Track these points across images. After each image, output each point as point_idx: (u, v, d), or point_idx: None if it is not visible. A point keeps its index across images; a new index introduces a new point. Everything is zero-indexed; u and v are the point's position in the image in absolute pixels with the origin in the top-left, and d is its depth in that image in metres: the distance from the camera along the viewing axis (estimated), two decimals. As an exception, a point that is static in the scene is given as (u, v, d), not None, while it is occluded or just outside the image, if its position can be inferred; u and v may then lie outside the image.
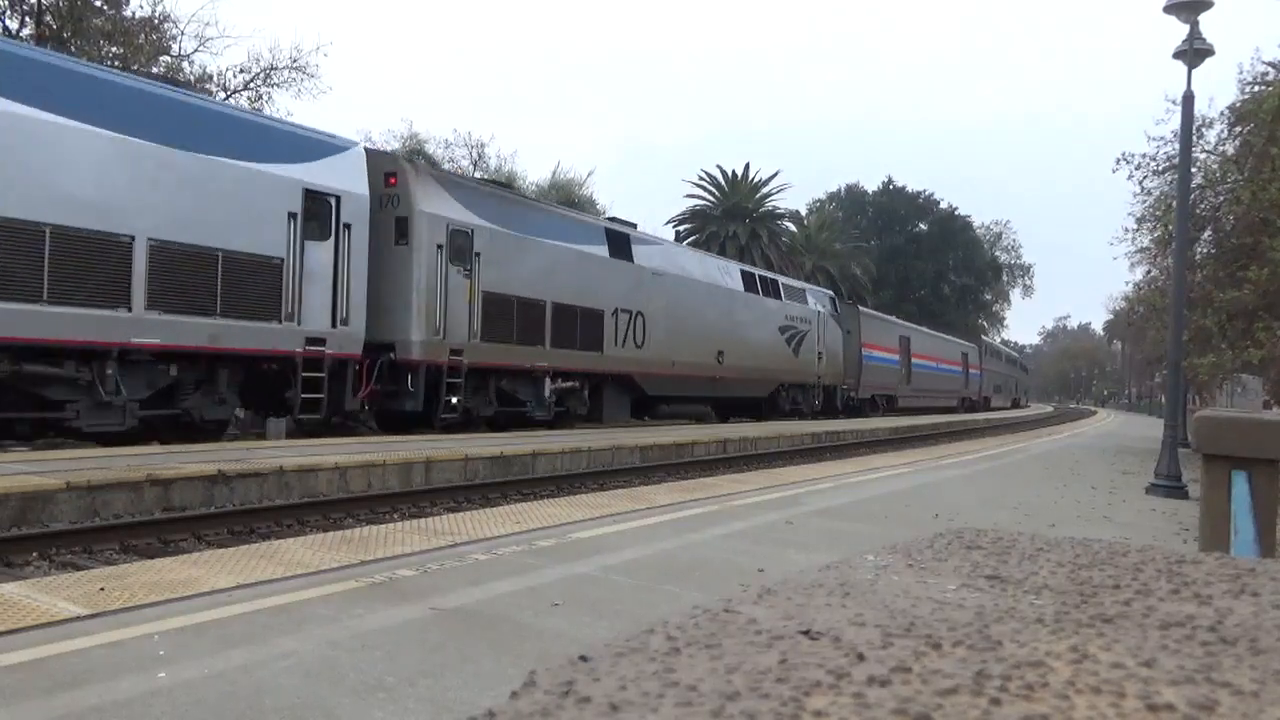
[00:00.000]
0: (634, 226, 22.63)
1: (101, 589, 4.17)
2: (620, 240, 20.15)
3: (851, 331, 32.70)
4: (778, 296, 27.34)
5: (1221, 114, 19.04)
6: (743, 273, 26.18)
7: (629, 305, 19.78)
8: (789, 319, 27.42)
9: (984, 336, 61.46)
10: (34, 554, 6.61)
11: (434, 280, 14.81)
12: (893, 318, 43.83)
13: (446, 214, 15.15)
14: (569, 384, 18.22)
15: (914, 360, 40.50)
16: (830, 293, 33.62)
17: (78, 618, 3.72)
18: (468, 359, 15.39)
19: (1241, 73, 18.83)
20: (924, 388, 42.38)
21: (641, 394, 20.65)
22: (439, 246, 14.92)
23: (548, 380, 17.46)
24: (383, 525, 6.63)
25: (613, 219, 23.50)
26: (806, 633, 0.59)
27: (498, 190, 18.23)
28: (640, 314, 20.13)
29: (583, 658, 0.53)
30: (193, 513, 8.14)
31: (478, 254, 15.65)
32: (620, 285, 19.55)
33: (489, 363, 16.00)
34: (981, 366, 55.67)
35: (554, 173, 42.69)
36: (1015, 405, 73.79)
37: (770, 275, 29.04)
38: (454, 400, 15.12)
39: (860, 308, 36.38)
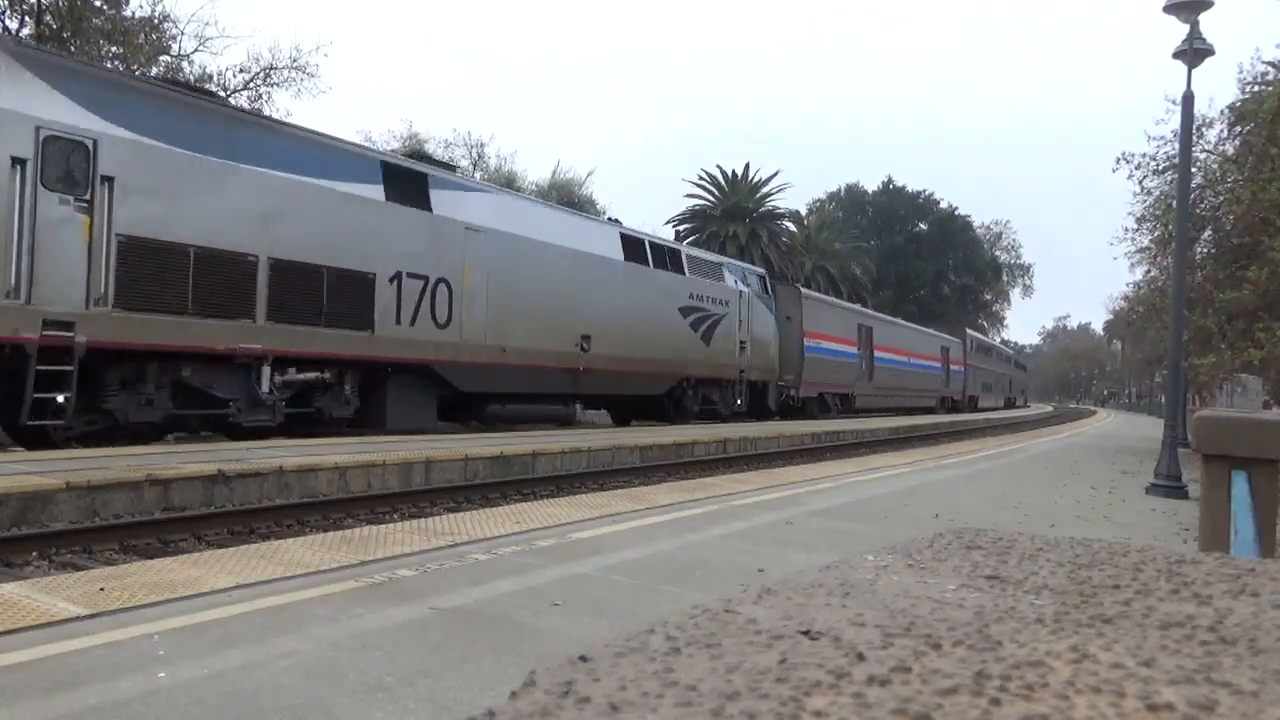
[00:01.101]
0: (453, 169, 18.56)
1: (101, 589, 4.16)
2: (407, 181, 14.96)
3: (792, 318, 27.67)
4: (679, 270, 22.11)
5: (1221, 114, 19.06)
6: (625, 237, 20.58)
7: (422, 269, 14.73)
8: (696, 299, 22.36)
9: (970, 330, 55.25)
10: (34, 554, 6.61)
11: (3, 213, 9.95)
12: (850, 304, 39.00)
13: (36, 111, 10.28)
14: (309, 375, 13.33)
15: (877, 354, 35.33)
16: (761, 271, 28.21)
17: (77, 618, 3.72)
18: (87, 335, 10.48)
19: (1241, 73, 18.84)
20: (890, 385, 37.00)
21: (454, 390, 15.68)
22: (16, 161, 10.00)
23: (266, 369, 12.67)
24: (383, 525, 6.63)
25: (418, 155, 18.56)
26: (806, 633, 0.59)
27: (169, 90, 12.68)
28: (444, 282, 15.17)
29: (583, 658, 0.53)
30: (192, 513, 8.14)
31: (108, 178, 10.80)
32: (406, 241, 14.49)
33: (142, 343, 11.13)
34: (966, 362, 50.59)
35: (554, 172, 42.70)
36: (1010, 406, 68.58)
37: (670, 244, 23.61)
38: (60, 399, 10.28)
39: (803, 289, 30.86)
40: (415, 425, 15.00)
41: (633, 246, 20.68)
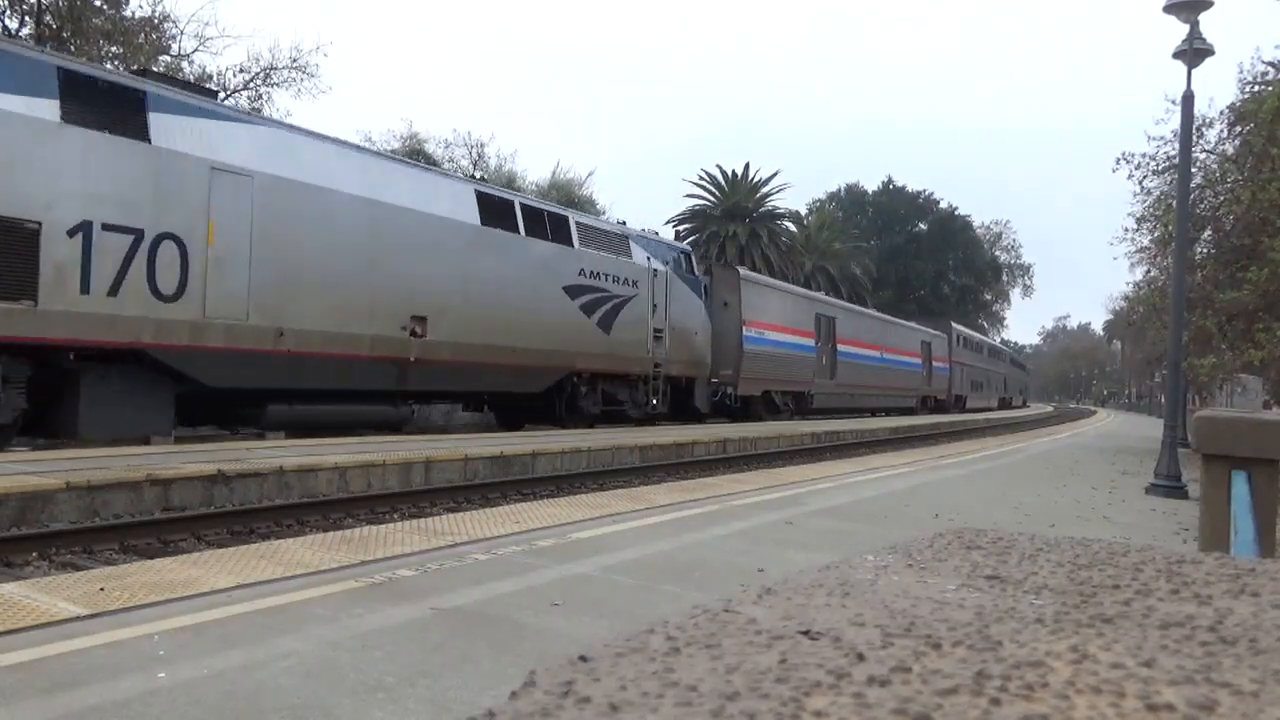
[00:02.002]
0: (211, 94, 14.51)
1: (101, 589, 4.16)
2: (107, 97, 11.02)
3: (730, 305, 23.83)
4: (565, 241, 17.96)
5: (1221, 114, 19.06)
6: (484, 197, 16.40)
7: (132, 219, 10.96)
8: (591, 277, 18.48)
9: (956, 324, 50.36)
10: (34, 554, 6.61)
11: None
12: (806, 290, 34.52)
13: None
14: None
15: (841, 348, 31.32)
16: (684, 247, 24.18)
17: (77, 618, 3.72)
18: None
19: (1241, 73, 18.85)
20: (858, 383, 32.86)
21: (201, 386, 11.76)
22: None
23: None
24: (382, 525, 6.63)
25: (142, 72, 14.09)
26: (806, 633, 0.59)
27: None
28: (173, 239, 11.36)
29: (583, 658, 0.53)
30: (192, 513, 8.14)
31: None
32: (102, 179, 10.73)
33: None
34: (951, 359, 46.22)
35: (554, 172, 42.66)
36: (1006, 406, 63.99)
37: (556, 209, 19.24)
38: None
39: (743, 271, 26.42)
40: (133, 431, 11.33)
41: (495, 209, 16.43)
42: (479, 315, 15.84)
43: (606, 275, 19.09)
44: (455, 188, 16.34)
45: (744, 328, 24.18)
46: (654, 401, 20.79)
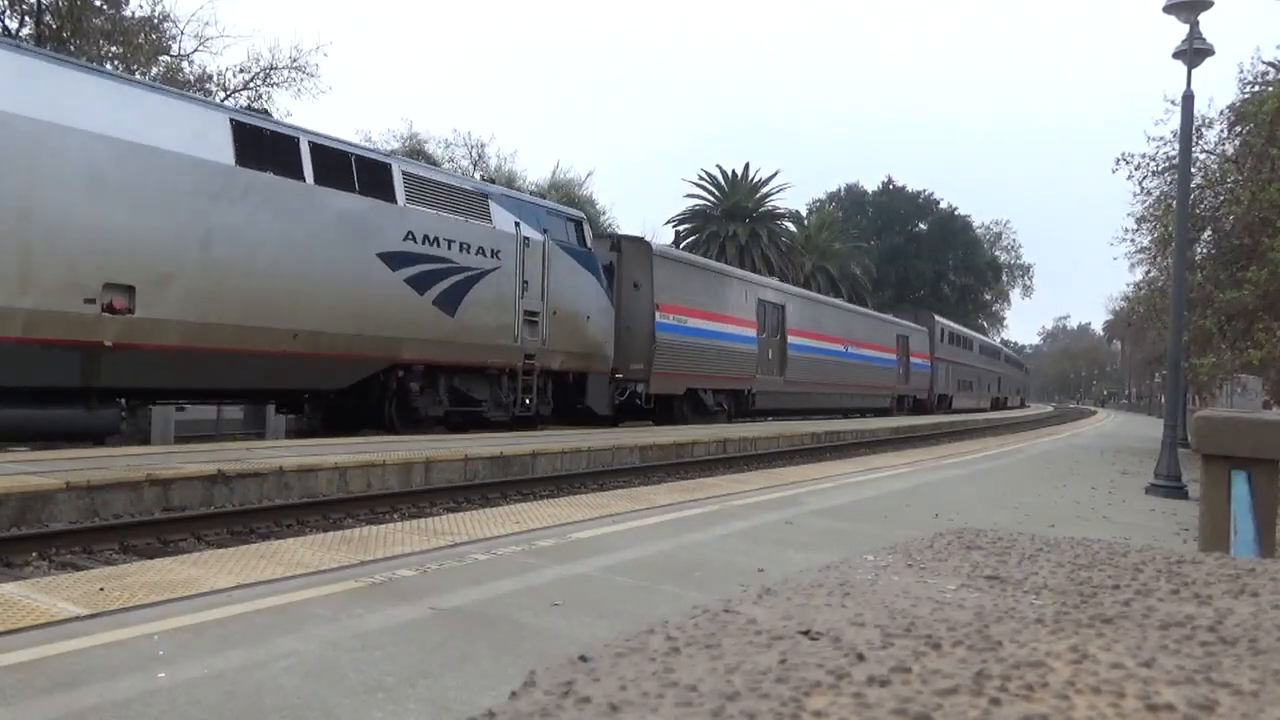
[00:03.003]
0: None
1: (101, 589, 4.16)
2: None
3: (641, 286, 20.08)
4: (383, 195, 13.89)
5: (1221, 114, 19.08)
6: (244, 128, 12.30)
7: None
8: (424, 242, 14.49)
9: (940, 317, 46.37)
10: (34, 554, 6.61)
11: None
12: (745, 271, 30.43)
13: None
14: None
15: (792, 340, 27.16)
16: (574, 213, 19.52)
17: (77, 618, 3.72)
18: None
19: (1241, 73, 18.87)
20: (813, 380, 28.69)
21: None
22: None
23: None
24: (382, 525, 6.63)
25: None
26: (806, 633, 0.59)
27: None
28: None
29: (583, 658, 0.53)
30: (192, 513, 8.14)
31: None
32: None
33: None
34: (933, 355, 42.02)
35: (554, 173, 42.67)
36: (1000, 407, 59.52)
37: (367, 151, 14.96)
38: None
39: (655, 245, 22.16)
40: None
41: (264, 146, 12.52)
42: (232, 287, 11.83)
43: (451, 242, 14.94)
44: (195, 114, 11.92)
45: (657, 313, 20.16)
46: (527, 401, 16.68)
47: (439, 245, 14.89)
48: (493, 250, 15.98)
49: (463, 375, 15.91)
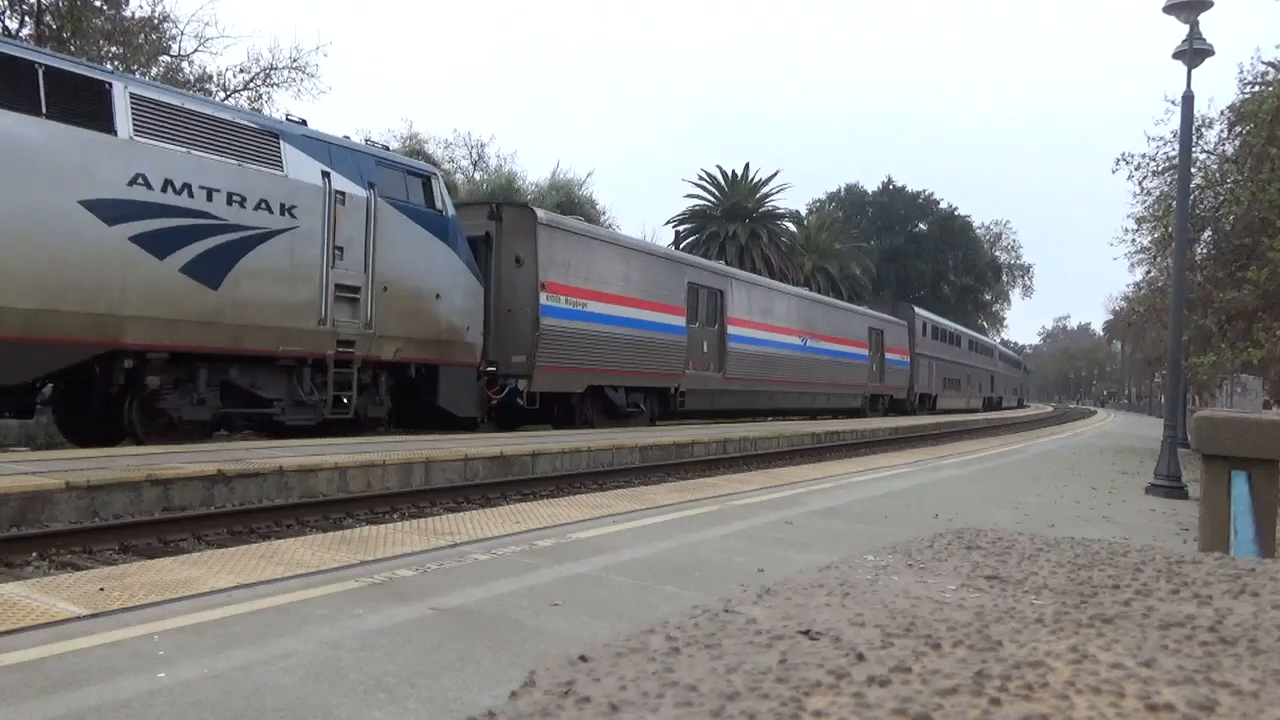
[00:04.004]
0: None
1: (101, 589, 4.16)
2: None
3: (524, 261, 16.73)
4: (95, 123, 10.55)
5: (1221, 114, 19.09)
6: None
7: None
8: (167, 190, 11.20)
9: (922, 310, 42.71)
10: (34, 554, 6.61)
11: None
12: (667, 248, 26.82)
13: None
14: None
15: (734, 330, 23.58)
16: (422, 167, 16.09)
17: (77, 618, 3.72)
18: None
19: (1241, 73, 18.87)
20: (761, 377, 25.09)
21: None
22: None
23: None
24: (383, 525, 6.63)
25: None
26: (806, 633, 0.59)
27: None
28: None
29: (583, 658, 0.53)
30: (192, 513, 8.14)
31: None
32: None
33: None
34: (913, 350, 38.50)
35: (554, 173, 42.64)
36: (993, 407, 56.07)
37: (66, 62, 11.12)
38: None
39: (541, 212, 17.98)
40: None
41: None
42: None
43: (214, 192, 11.56)
44: None
45: (542, 294, 16.71)
46: (345, 400, 13.41)
47: (192, 195, 11.31)
48: (285, 206, 12.47)
49: (242, 367, 12.34)
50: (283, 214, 12.49)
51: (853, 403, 32.82)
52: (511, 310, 16.73)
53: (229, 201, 11.82)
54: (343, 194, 13.30)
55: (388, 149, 15.97)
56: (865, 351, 33.33)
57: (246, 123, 12.69)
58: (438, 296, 14.81)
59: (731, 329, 23.62)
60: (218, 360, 12.06)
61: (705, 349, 22.63)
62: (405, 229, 14.37)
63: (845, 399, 32.07)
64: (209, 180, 11.58)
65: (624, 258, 19.85)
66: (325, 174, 13.09)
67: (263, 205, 12.24)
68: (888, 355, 35.53)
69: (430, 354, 14.82)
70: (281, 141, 12.75)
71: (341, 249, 13.22)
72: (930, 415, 38.32)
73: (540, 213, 17.90)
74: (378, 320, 13.74)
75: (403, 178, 14.72)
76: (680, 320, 21.41)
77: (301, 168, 12.86)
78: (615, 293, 19.06)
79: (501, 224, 17.17)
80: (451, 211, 15.49)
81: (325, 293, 13.00)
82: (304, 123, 13.91)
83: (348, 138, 14.61)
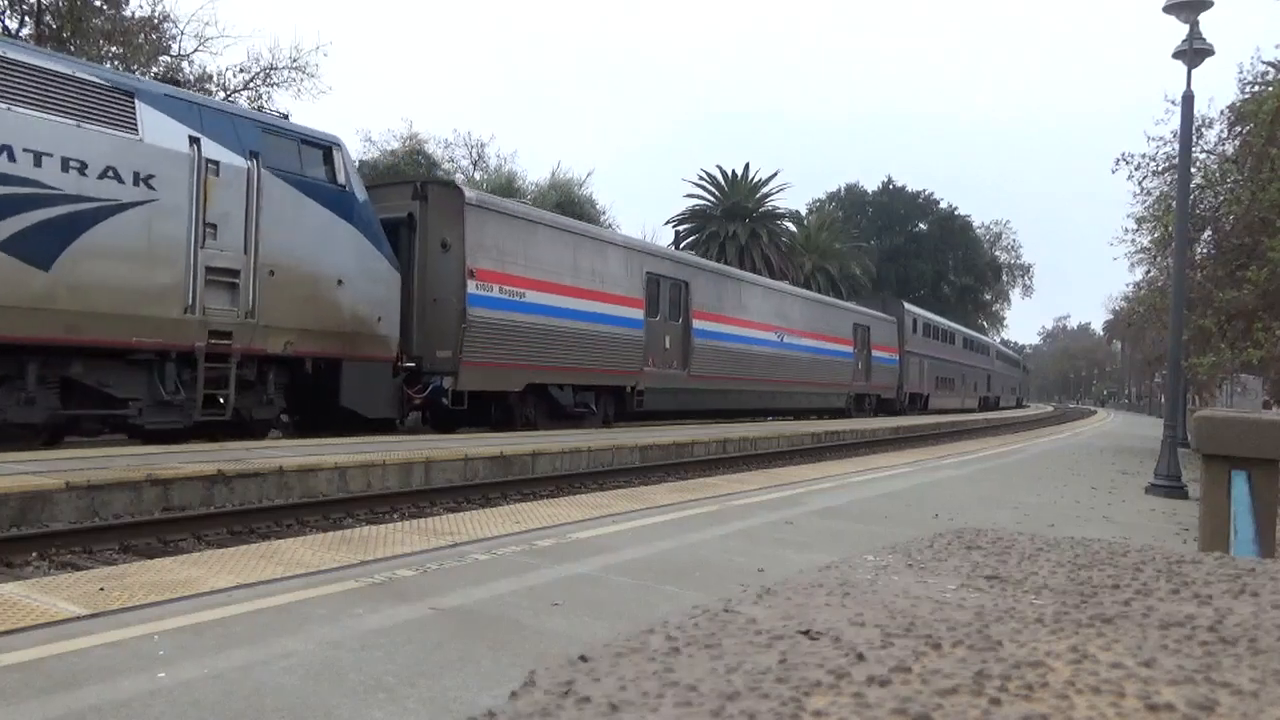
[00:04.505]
0: None
1: (101, 589, 4.16)
2: None
3: (451, 245, 15.14)
4: None
5: (1221, 114, 19.10)
6: None
7: None
8: None
9: (911, 305, 41.05)
10: (34, 554, 6.61)
11: None
12: (621, 234, 24.40)
13: None
14: None
15: (699, 325, 22.05)
16: (321, 136, 13.67)
17: (77, 618, 3.72)
18: None
19: (1241, 73, 18.88)
20: (727, 375, 23.34)
21: None
22: None
23: None
24: (382, 525, 6.63)
25: None
26: (806, 633, 0.59)
27: None
28: None
29: (583, 658, 0.53)
30: (192, 513, 8.14)
31: None
32: None
33: None
34: (902, 348, 36.77)
35: (553, 173, 42.65)
36: (990, 407, 54.29)
37: None
38: None
39: (469, 191, 16.37)
40: None
41: None
42: None
43: (42, 156, 10.01)
44: None
45: (470, 282, 15.08)
46: (220, 399, 11.80)
47: (13, 159, 9.80)
48: (139, 175, 10.84)
49: (87, 362, 10.75)
50: (137, 184, 10.82)
51: (835, 403, 31.22)
52: (437, 300, 15.13)
53: (64, 168, 10.17)
54: (216, 163, 11.59)
55: (287, 117, 14.88)
56: (849, 349, 31.84)
57: (90, 77, 10.86)
58: (340, 282, 13.22)
59: (697, 323, 22.13)
60: (53, 353, 10.38)
61: (667, 345, 21.08)
62: (299, 205, 12.71)
63: (827, 399, 30.43)
64: (36, 142, 9.95)
65: (571, 244, 18.19)
66: (194, 140, 11.42)
67: (110, 173, 10.57)
68: (874, 353, 33.97)
69: (331, 347, 13.18)
70: (137, 101, 11.05)
71: (215, 226, 11.55)
72: (922, 415, 36.71)
73: (469, 191, 16.30)
74: (262, 308, 12.08)
75: (296, 148, 12.98)
76: (638, 313, 19.85)
77: (162, 131, 11.18)
78: (561, 282, 17.45)
79: (427, 204, 15.49)
80: (359, 187, 13.90)
81: (193, 276, 11.35)
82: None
83: (232, 101, 12.62)
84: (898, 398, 36.49)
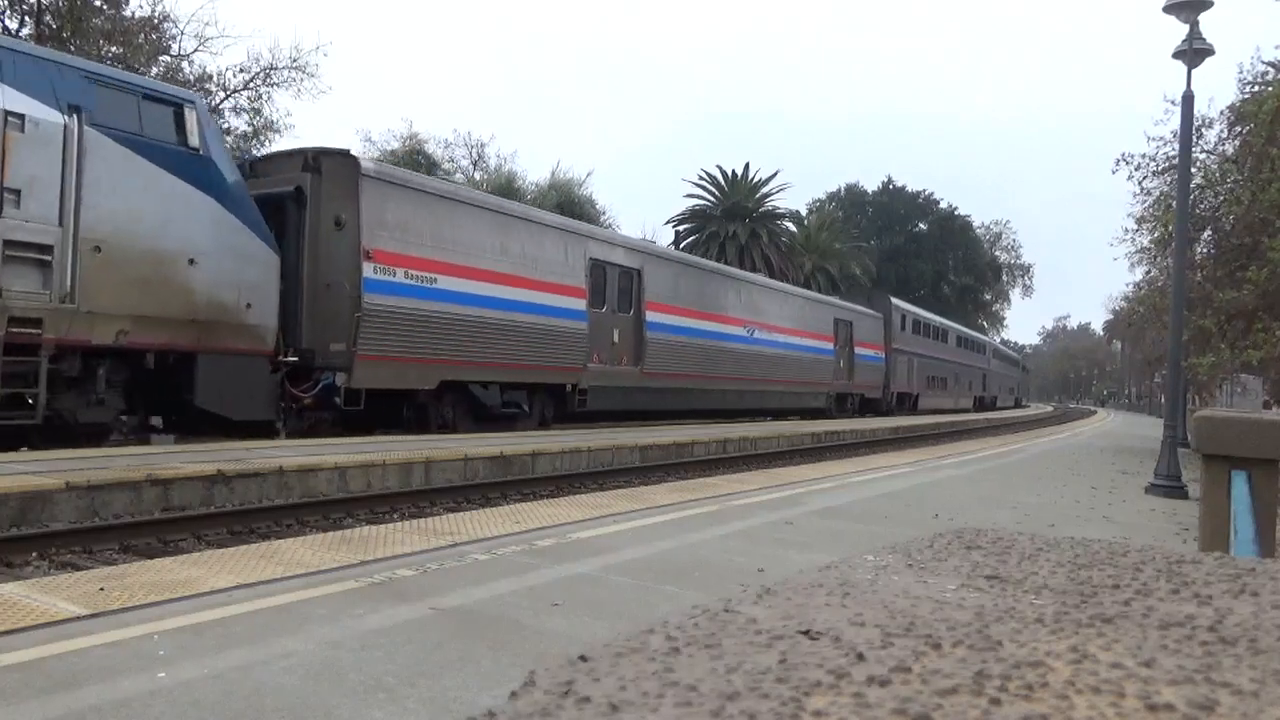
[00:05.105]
0: None
1: (101, 589, 4.16)
2: None
3: (345, 223, 13.41)
4: None
5: (1221, 114, 19.11)
6: None
7: None
8: None
9: (899, 300, 39.15)
10: (34, 554, 6.61)
11: None
12: (558, 216, 21.24)
13: None
14: None
15: (653, 317, 20.18)
16: (175, 94, 12.09)
17: (77, 618, 3.72)
18: None
19: (1241, 73, 18.89)
20: (687, 373, 21.53)
21: None
22: None
23: None
24: (382, 525, 6.63)
25: None
26: (806, 633, 0.59)
27: None
28: None
29: (583, 658, 0.53)
30: (192, 513, 8.14)
31: None
32: None
33: None
34: (889, 345, 35.13)
35: (553, 173, 42.65)
36: (985, 408, 52.69)
37: None
38: None
39: (366, 163, 14.59)
40: None
41: None
42: None
43: None
44: None
45: (366, 264, 13.29)
46: (30, 400, 10.14)
47: None
48: None
49: None
50: None
51: (814, 402, 29.28)
52: (331, 286, 13.34)
53: None
54: (20, 116, 9.73)
55: (135, 71, 12.28)
56: (830, 345, 29.86)
57: None
58: (191, 262, 11.32)
59: (652, 315, 20.16)
60: None
61: (616, 339, 19.19)
62: (137, 171, 10.84)
63: (804, 398, 28.45)
64: None
65: (498, 225, 16.18)
66: None
67: None
68: (858, 350, 32.13)
69: (182, 338, 11.28)
70: None
71: (18, 192, 9.71)
72: (915, 416, 35.15)
73: (365, 162, 14.44)
74: (85, 291, 10.23)
75: (135, 104, 11.00)
76: (579, 303, 17.84)
77: None
78: (484, 267, 15.54)
79: (320, 177, 13.68)
80: (220, 152, 12.04)
81: None
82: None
83: (51, 49, 10.45)
84: (883, 397, 34.82)
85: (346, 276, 13.30)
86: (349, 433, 13.75)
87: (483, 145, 41.97)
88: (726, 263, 34.64)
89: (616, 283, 19.37)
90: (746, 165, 49.14)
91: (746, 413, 25.73)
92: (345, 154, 14.40)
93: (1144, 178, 19.32)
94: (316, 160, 13.89)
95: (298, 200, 13.53)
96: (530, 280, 16.58)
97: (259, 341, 12.26)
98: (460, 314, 14.94)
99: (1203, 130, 18.32)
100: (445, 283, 14.68)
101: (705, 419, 23.21)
